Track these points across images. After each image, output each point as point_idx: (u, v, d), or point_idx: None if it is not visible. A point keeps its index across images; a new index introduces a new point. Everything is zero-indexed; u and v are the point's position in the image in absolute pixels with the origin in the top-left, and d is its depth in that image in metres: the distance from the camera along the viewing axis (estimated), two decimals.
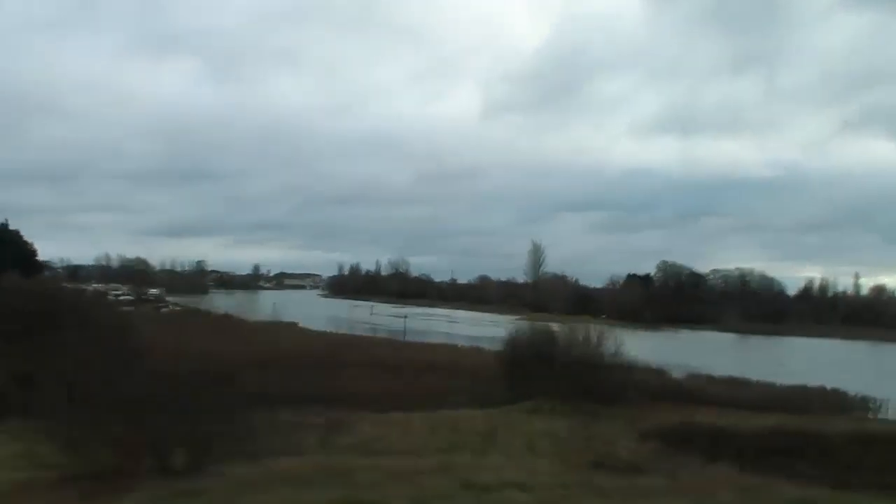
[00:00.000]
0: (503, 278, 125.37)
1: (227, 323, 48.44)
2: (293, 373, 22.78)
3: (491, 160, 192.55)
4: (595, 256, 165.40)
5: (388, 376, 23.73)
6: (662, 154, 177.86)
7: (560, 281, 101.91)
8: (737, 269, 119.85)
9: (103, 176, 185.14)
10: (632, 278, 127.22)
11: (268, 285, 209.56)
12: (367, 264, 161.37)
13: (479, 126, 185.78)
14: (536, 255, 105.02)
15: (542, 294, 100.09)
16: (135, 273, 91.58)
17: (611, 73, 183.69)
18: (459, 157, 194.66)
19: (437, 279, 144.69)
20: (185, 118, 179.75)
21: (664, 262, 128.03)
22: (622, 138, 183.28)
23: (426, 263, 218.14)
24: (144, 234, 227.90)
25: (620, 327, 77.58)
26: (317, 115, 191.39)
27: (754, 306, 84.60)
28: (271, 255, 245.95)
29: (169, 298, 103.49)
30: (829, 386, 28.60)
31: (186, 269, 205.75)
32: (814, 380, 31.99)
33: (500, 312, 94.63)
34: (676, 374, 31.04)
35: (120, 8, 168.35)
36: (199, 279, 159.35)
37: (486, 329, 67.72)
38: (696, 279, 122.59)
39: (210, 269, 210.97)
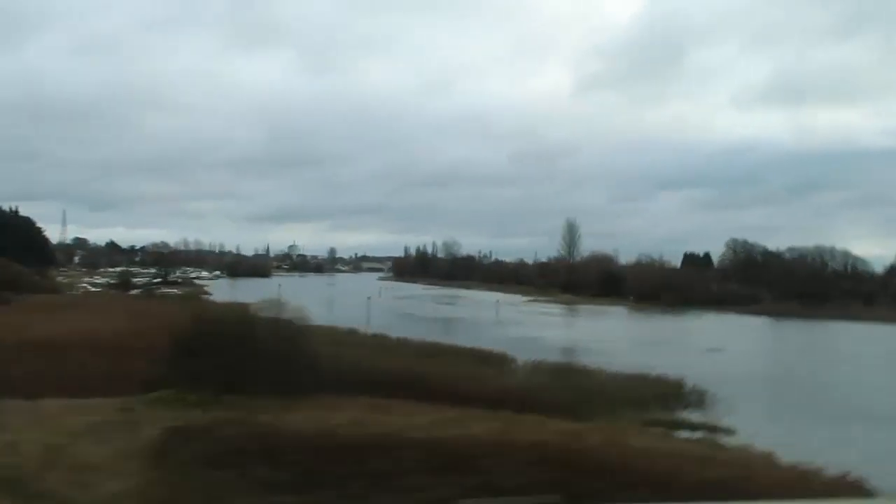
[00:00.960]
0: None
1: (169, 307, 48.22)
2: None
3: (585, 137, 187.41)
4: (696, 235, 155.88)
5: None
6: (769, 125, 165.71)
7: (595, 261, 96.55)
8: (815, 246, 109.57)
9: (211, 165, 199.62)
10: (690, 257, 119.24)
11: (345, 268, 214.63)
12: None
13: (571, 102, 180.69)
14: (571, 233, 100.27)
15: (577, 274, 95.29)
16: (160, 256, 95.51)
17: (710, 42, 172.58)
18: (553, 134, 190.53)
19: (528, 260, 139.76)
20: (284, 106, 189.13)
21: (733, 240, 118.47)
22: (725, 110, 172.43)
23: (519, 245, 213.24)
24: (249, 220, 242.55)
25: (636, 309, 72.81)
26: (409, 98, 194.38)
27: (797, 286, 75.90)
28: (367, 239, 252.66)
29: (213, 281, 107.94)
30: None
31: (279, 252, 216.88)
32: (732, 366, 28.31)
33: (527, 294, 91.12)
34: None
35: (219, 3, 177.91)
36: (263, 262, 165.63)
37: (472, 311, 65.03)
38: (769, 257, 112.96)
39: (299, 252, 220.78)
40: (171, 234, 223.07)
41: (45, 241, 75.92)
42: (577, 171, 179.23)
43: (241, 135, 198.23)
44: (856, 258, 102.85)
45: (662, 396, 21.37)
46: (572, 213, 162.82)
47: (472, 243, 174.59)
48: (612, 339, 41.26)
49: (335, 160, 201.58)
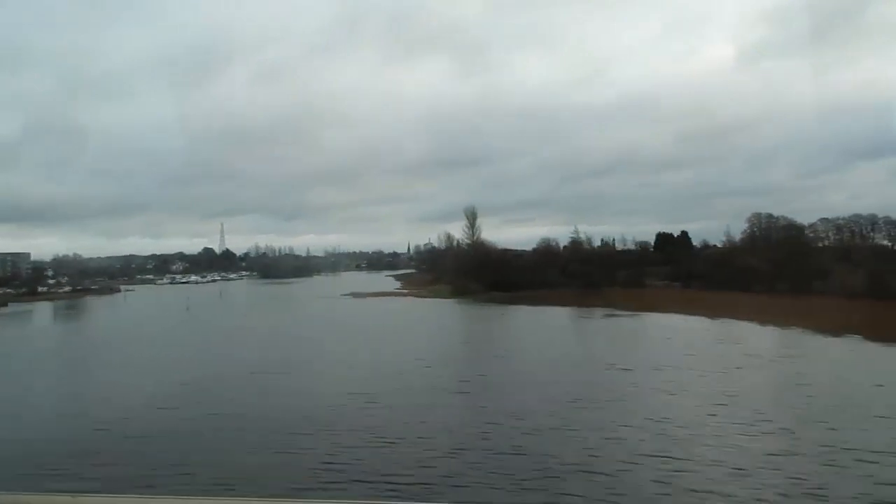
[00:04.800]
0: None
1: None
2: None
3: (760, 110, 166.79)
4: None
5: None
6: None
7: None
8: (854, 216, 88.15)
9: (384, 171, 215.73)
10: (663, 237, 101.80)
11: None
12: (633, 235, 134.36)
13: (740, 74, 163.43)
14: (470, 220, 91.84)
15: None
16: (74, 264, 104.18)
17: None
18: (723, 111, 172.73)
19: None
20: (446, 110, 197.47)
21: (755, 214, 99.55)
22: None
23: (691, 229, 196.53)
24: (422, 221, 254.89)
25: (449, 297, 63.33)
26: (568, 88, 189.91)
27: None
28: (539, 232, 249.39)
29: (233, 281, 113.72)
30: None
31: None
32: None
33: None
34: None
35: (376, 22, 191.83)
36: (304, 263, 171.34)
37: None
38: (796, 232, 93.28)
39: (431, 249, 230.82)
40: (350, 240, 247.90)
41: None
42: (754, 147, 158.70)
43: (408, 141, 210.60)
44: None
45: None
46: (753, 193, 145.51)
47: (641, 231, 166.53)
48: None
49: (499, 157, 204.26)
